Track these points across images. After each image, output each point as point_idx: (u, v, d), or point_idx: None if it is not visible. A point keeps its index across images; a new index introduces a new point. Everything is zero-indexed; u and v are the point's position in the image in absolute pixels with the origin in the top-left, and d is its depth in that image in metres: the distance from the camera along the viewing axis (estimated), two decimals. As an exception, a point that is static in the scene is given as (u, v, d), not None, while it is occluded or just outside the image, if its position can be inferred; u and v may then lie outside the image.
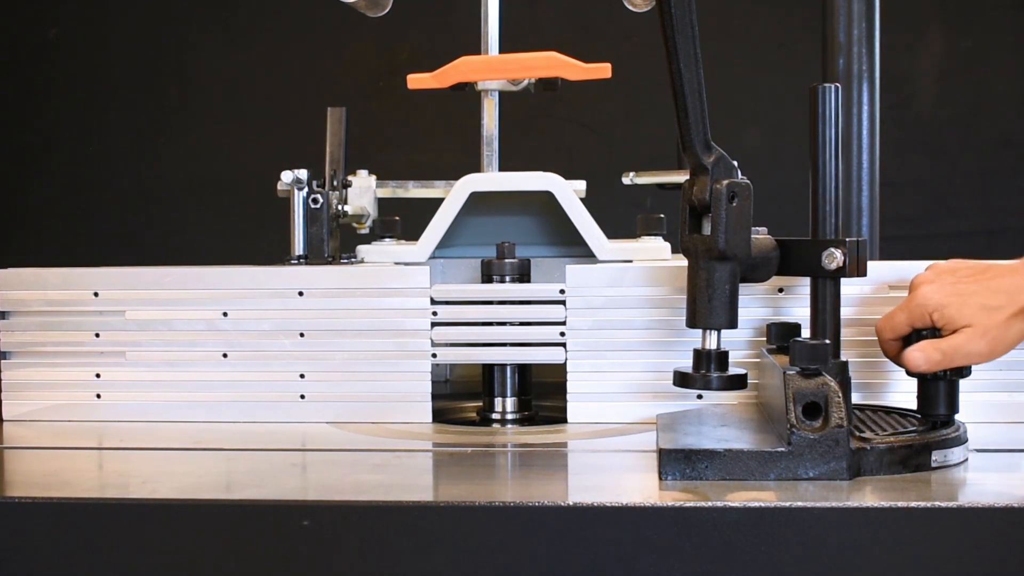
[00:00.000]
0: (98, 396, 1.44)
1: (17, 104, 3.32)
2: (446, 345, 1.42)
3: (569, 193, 1.47)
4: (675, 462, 1.08)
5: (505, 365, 1.46)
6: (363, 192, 1.63)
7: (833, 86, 1.19)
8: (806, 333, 1.26)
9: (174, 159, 3.28)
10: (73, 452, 1.30)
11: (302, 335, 1.42)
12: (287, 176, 1.49)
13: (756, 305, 1.36)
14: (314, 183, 1.51)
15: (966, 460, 1.14)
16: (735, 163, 1.19)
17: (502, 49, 1.64)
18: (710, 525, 0.98)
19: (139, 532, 1.02)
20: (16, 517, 1.03)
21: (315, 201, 1.49)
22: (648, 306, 1.38)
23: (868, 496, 1.02)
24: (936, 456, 1.11)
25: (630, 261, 1.46)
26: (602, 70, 1.56)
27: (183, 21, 3.29)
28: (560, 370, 1.41)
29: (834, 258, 1.18)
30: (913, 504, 0.98)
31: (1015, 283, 1.17)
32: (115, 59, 3.29)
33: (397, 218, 1.59)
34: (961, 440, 1.15)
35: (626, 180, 1.68)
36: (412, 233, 1.54)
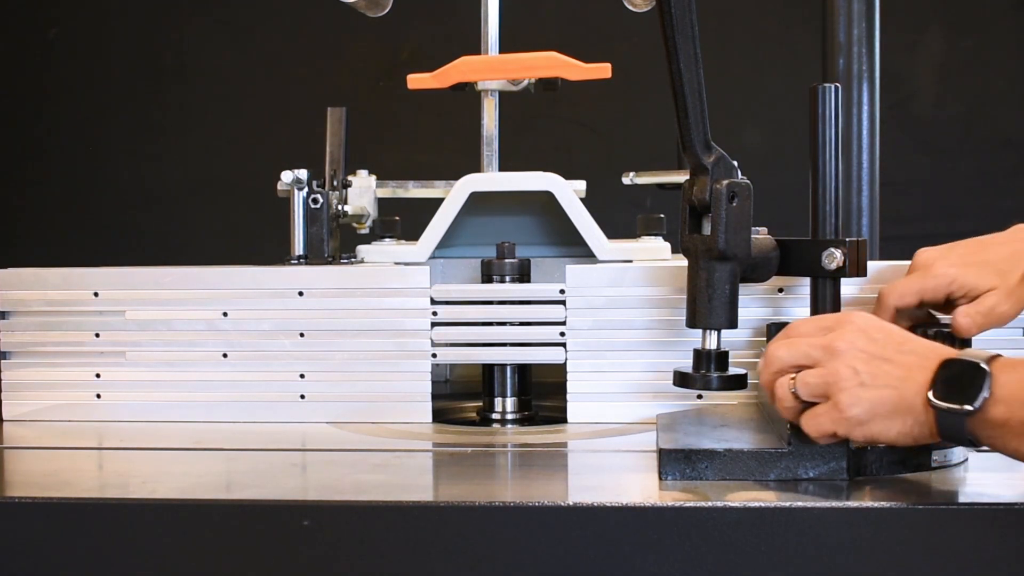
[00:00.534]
0: (98, 396, 1.44)
1: (17, 104, 3.32)
2: (446, 345, 1.42)
3: (569, 193, 1.47)
4: (675, 462, 1.08)
5: (505, 365, 1.46)
6: (363, 192, 1.63)
7: (833, 86, 1.19)
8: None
9: (174, 159, 3.28)
10: (73, 452, 1.30)
11: (302, 335, 1.42)
12: (287, 176, 1.49)
13: (756, 305, 1.36)
14: (314, 183, 1.51)
15: (966, 460, 1.14)
16: (735, 163, 1.19)
17: (502, 49, 1.64)
18: (710, 525, 0.98)
19: (139, 532, 1.02)
20: (16, 517, 1.03)
21: (315, 201, 1.49)
22: (648, 306, 1.38)
23: (868, 496, 1.02)
24: (936, 456, 1.11)
25: (630, 261, 1.46)
26: (602, 70, 1.56)
27: (183, 21, 3.29)
28: (560, 370, 1.41)
29: (834, 258, 1.18)
30: (913, 504, 0.98)
31: (1015, 250, 1.22)
32: (115, 59, 3.29)
33: (397, 218, 1.59)
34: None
35: (626, 180, 1.68)
36: (412, 233, 1.54)
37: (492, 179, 1.54)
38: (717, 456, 1.08)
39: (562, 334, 1.40)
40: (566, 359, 1.40)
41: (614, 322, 1.39)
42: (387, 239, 1.57)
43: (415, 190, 1.68)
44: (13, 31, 3.32)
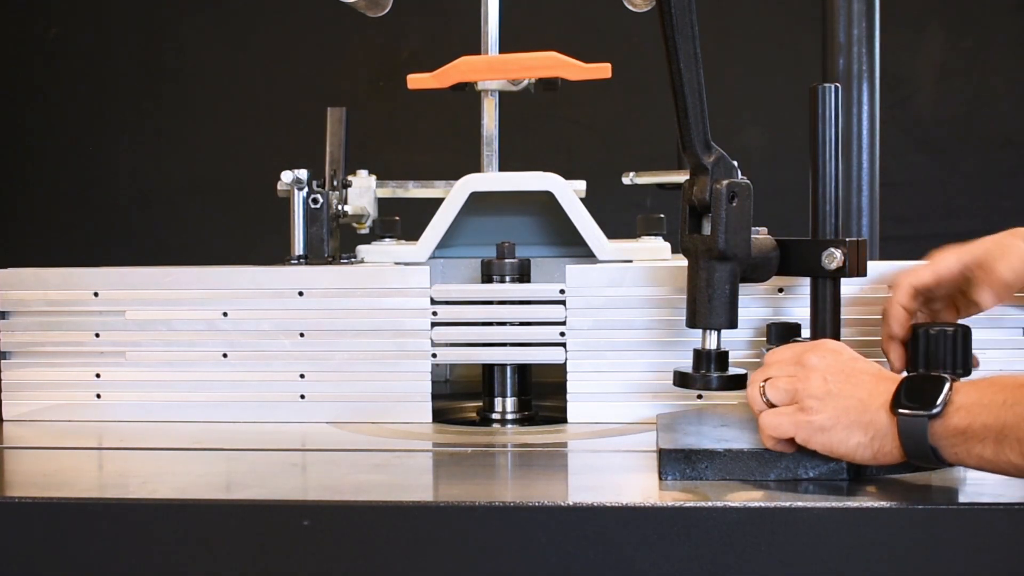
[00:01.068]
0: (98, 396, 1.44)
1: (17, 104, 3.32)
2: (446, 345, 1.42)
3: (569, 193, 1.47)
4: (675, 462, 1.08)
5: (505, 365, 1.46)
6: (363, 192, 1.63)
7: (833, 86, 1.19)
8: (806, 333, 1.26)
9: (174, 159, 3.28)
10: (73, 452, 1.30)
11: (302, 335, 1.42)
12: (287, 176, 1.49)
13: (756, 305, 1.36)
14: (314, 183, 1.51)
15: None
16: (735, 163, 1.19)
17: (502, 49, 1.64)
18: (710, 525, 0.98)
19: (139, 532, 1.02)
20: (16, 517, 1.03)
21: (315, 201, 1.49)
22: (648, 306, 1.38)
23: (868, 496, 1.02)
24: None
25: (630, 261, 1.46)
26: (602, 70, 1.56)
27: (183, 21, 3.29)
28: (560, 370, 1.41)
29: (834, 258, 1.18)
30: (913, 504, 0.98)
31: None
32: (115, 59, 3.29)
33: (397, 218, 1.59)
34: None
35: (626, 180, 1.68)
36: (412, 233, 1.54)
37: (492, 179, 1.54)
38: (717, 456, 1.08)
39: (562, 334, 1.40)
40: (566, 359, 1.40)
41: (614, 322, 1.39)
42: (387, 239, 1.57)
43: (415, 190, 1.68)
44: (13, 31, 3.32)
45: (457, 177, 1.50)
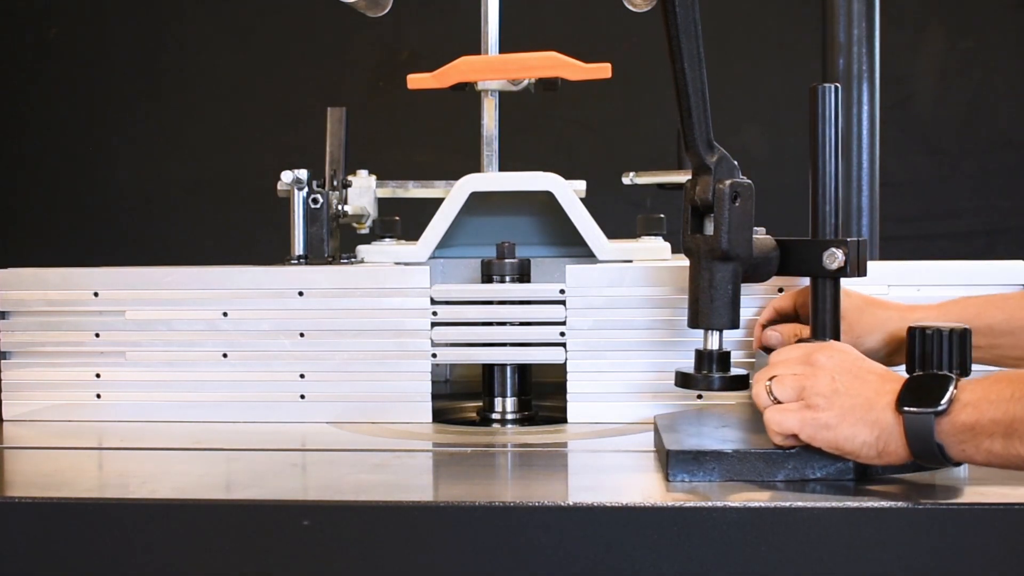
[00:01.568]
0: (98, 396, 1.44)
1: (17, 104, 3.32)
2: (446, 345, 1.42)
3: (569, 193, 1.47)
4: (683, 463, 1.08)
5: (505, 365, 1.46)
6: (363, 192, 1.63)
7: (833, 86, 1.19)
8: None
9: (174, 159, 3.28)
10: (73, 452, 1.30)
11: (302, 335, 1.42)
12: (287, 176, 1.49)
13: (756, 305, 1.36)
14: (314, 183, 1.51)
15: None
16: (736, 163, 1.19)
17: (502, 49, 1.64)
18: (710, 525, 0.98)
19: (139, 532, 1.02)
20: (16, 517, 1.03)
21: (315, 201, 1.49)
22: (648, 306, 1.38)
23: (868, 496, 1.02)
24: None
25: (630, 261, 1.46)
26: (602, 70, 1.56)
27: (183, 21, 3.29)
28: (560, 370, 1.41)
29: (835, 258, 1.18)
30: (914, 504, 0.98)
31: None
32: (115, 59, 3.30)
33: (397, 218, 1.59)
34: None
35: (626, 180, 1.68)
36: (412, 233, 1.54)
37: (492, 179, 1.54)
38: (725, 457, 1.08)
39: (562, 334, 1.40)
40: (566, 359, 1.40)
41: (614, 322, 1.39)
42: (387, 239, 1.57)
43: (415, 190, 1.68)
44: (13, 31, 3.32)
45: (457, 177, 1.50)
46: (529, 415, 1.47)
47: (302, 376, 1.42)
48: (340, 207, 1.54)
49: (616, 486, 1.12)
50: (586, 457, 1.26)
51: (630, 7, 1.68)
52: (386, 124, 3.12)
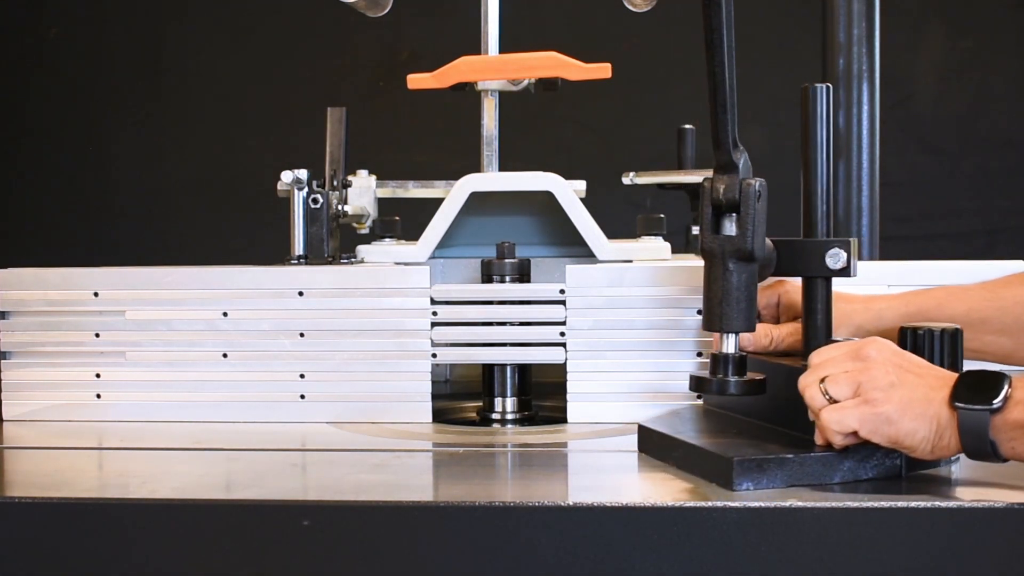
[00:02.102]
0: (98, 396, 1.44)
1: (17, 104, 3.32)
2: (446, 345, 1.42)
3: (569, 193, 1.47)
4: (748, 471, 1.05)
5: (505, 365, 1.46)
6: (363, 192, 1.63)
7: (824, 86, 1.19)
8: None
9: (174, 159, 3.28)
10: (73, 452, 1.30)
11: (302, 335, 1.41)
12: (287, 176, 1.49)
13: (756, 305, 1.36)
14: (314, 183, 1.51)
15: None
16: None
17: (502, 49, 1.64)
18: (710, 525, 0.98)
19: (139, 532, 1.02)
20: (16, 517, 1.03)
21: (315, 201, 1.49)
22: (648, 306, 1.38)
23: (868, 496, 1.02)
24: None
25: (630, 261, 1.46)
26: (602, 70, 1.56)
27: (183, 21, 3.29)
28: (560, 370, 1.41)
29: (839, 258, 1.18)
30: (914, 504, 0.98)
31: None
32: (115, 59, 3.30)
33: (397, 218, 1.59)
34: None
35: (626, 180, 1.69)
36: (412, 233, 1.54)
37: (492, 179, 1.54)
38: (787, 463, 1.06)
39: (562, 334, 1.40)
40: (566, 359, 1.40)
41: (614, 322, 1.39)
42: (387, 239, 1.57)
43: (415, 190, 1.68)
44: (13, 31, 3.32)
45: (457, 177, 1.50)
46: (529, 415, 1.47)
47: (302, 376, 1.42)
48: (340, 207, 1.54)
49: (616, 486, 1.12)
50: (586, 457, 1.26)
51: (630, 7, 1.68)
52: (386, 124, 3.12)
